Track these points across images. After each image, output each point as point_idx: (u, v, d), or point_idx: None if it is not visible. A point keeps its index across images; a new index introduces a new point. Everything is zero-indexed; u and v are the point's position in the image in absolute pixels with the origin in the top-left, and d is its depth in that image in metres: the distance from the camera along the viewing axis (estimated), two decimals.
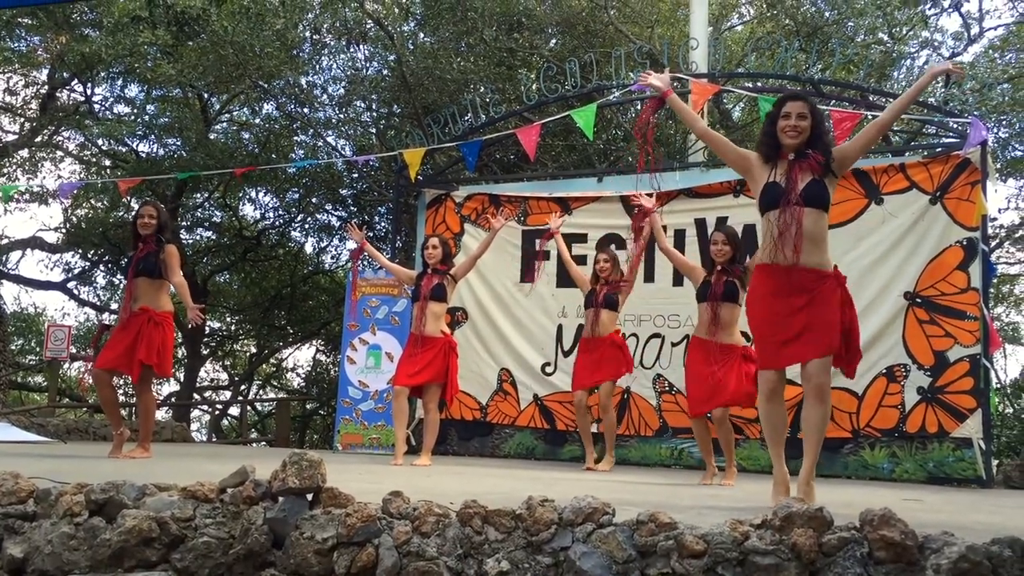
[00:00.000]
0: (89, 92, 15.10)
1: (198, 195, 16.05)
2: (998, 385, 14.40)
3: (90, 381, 6.82)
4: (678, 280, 8.18)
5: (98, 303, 18.05)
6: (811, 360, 3.86)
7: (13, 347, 18.51)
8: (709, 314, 5.77)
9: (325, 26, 13.04)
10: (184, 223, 15.90)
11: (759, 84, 9.10)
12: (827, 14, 12.90)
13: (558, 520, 2.65)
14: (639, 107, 12.58)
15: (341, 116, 13.93)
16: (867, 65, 10.47)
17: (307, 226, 16.55)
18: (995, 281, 14.05)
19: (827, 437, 4.09)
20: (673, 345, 8.17)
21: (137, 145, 14.89)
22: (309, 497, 2.91)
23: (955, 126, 7.80)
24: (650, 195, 6.50)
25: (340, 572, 2.71)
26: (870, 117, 9.19)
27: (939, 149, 7.74)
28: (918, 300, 7.39)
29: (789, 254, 3.86)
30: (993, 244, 13.41)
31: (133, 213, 6.76)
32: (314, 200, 15.31)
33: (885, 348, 7.38)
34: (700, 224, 8.21)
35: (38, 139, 15.29)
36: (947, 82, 10.76)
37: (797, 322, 3.86)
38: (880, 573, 2.39)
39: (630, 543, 2.56)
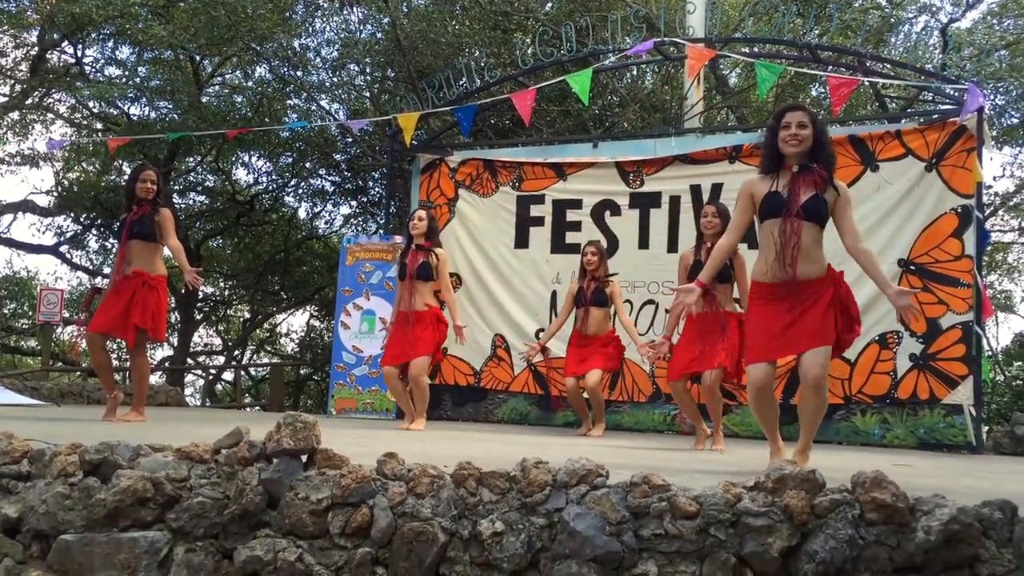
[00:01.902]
0: (80, 54, 14.92)
1: (190, 159, 15.92)
2: (990, 352, 14.48)
3: (83, 345, 6.79)
4: (672, 246, 8.19)
5: (90, 267, 17.97)
6: (806, 352, 3.82)
7: (6, 311, 18.48)
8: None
9: None
10: (176, 187, 15.79)
11: (756, 49, 9.07)
12: None
13: (552, 482, 2.66)
14: (635, 72, 12.50)
15: (335, 80, 13.81)
16: (865, 30, 10.40)
17: (300, 191, 16.48)
18: (989, 249, 14.09)
19: None
20: (667, 311, 8.16)
21: (128, 108, 14.74)
22: (304, 458, 2.92)
23: (952, 93, 7.77)
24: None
25: (335, 532, 2.73)
26: (867, 83, 9.19)
27: (935, 116, 7.72)
28: (912, 267, 7.40)
29: (788, 269, 3.85)
30: (987, 212, 13.47)
31: (128, 175, 6.65)
32: (307, 165, 15.21)
33: (878, 315, 7.38)
34: (695, 190, 8.20)
35: (28, 101, 15.12)
36: (945, 47, 10.69)
37: (790, 318, 3.85)
38: (871, 534, 2.41)
39: (623, 504, 2.57)
